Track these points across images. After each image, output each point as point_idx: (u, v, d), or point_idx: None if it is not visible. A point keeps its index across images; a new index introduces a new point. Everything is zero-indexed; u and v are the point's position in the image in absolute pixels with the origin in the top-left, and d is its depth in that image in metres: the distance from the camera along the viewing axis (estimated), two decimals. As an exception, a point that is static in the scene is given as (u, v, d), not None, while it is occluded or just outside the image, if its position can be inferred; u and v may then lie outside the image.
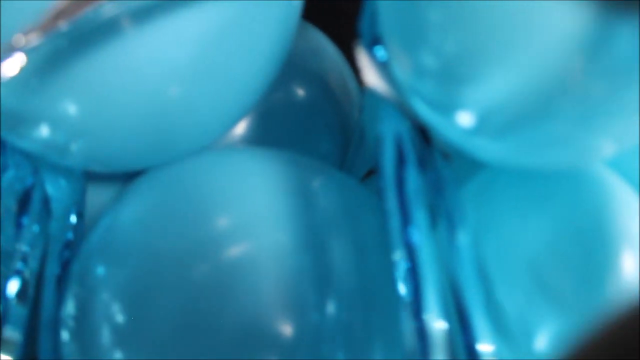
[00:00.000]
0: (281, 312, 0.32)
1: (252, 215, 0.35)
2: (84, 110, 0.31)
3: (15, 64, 0.23)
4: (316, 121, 0.55)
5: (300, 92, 0.55)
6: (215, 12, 0.32)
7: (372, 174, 0.53)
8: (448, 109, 0.25)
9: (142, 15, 0.30)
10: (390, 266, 0.29)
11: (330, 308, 0.34)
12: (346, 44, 0.61)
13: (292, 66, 0.52)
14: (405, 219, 0.24)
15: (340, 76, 0.58)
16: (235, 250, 0.34)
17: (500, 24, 0.23)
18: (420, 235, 0.24)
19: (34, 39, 0.23)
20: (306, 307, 0.33)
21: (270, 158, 0.38)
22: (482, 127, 0.25)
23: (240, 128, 0.50)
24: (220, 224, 0.34)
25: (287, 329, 0.33)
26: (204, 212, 0.35)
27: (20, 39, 0.23)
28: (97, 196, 0.41)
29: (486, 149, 0.27)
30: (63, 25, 0.24)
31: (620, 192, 0.31)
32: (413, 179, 0.25)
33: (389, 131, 0.27)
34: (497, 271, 0.29)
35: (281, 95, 0.54)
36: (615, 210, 0.30)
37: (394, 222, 0.25)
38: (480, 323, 0.24)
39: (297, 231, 0.34)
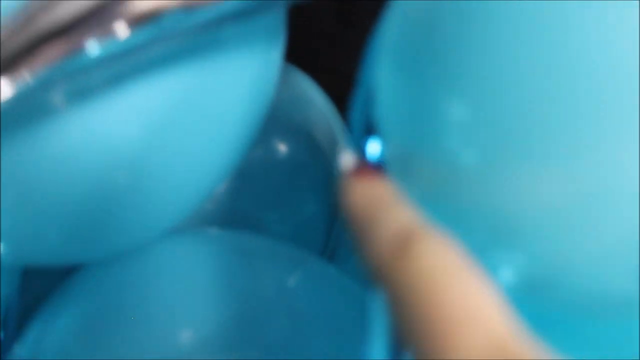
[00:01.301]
0: None
1: (210, 331, 0.28)
2: (8, 193, 0.25)
3: None
4: (300, 180, 0.49)
5: (282, 147, 0.49)
6: (172, 79, 0.26)
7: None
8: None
9: (77, 90, 0.24)
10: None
11: None
12: (336, 90, 0.55)
13: (273, 117, 0.46)
14: None
15: (328, 128, 0.52)
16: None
17: (545, 122, 0.16)
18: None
19: None
20: None
21: (235, 253, 0.31)
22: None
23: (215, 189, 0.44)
24: (171, 342, 0.28)
25: None
26: (151, 325, 0.28)
27: None
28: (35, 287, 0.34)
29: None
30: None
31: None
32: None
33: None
34: None
35: (260, 151, 0.48)
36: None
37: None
38: None
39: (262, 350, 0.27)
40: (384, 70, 0.21)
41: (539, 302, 0.18)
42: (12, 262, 0.31)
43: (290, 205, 0.48)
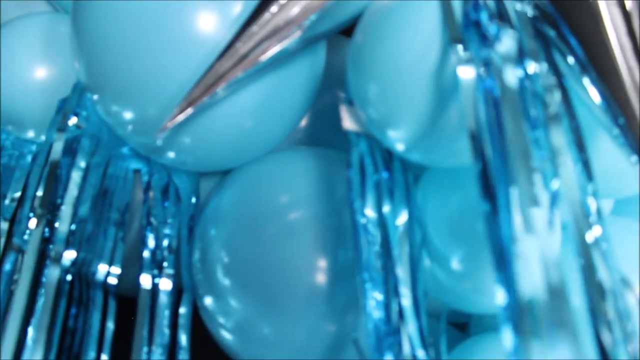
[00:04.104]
0: (318, 251, 0.55)
1: (299, 194, 0.57)
2: (194, 142, 0.54)
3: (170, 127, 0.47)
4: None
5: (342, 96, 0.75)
6: (265, 80, 0.53)
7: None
8: (387, 139, 0.46)
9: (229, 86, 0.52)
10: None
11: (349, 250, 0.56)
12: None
13: (338, 76, 0.73)
14: (363, 198, 0.46)
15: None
16: (289, 215, 0.56)
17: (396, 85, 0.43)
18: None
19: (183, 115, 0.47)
20: (335, 248, 0.55)
21: (310, 155, 0.60)
22: (409, 149, 0.46)
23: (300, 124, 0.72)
24: (279, 200, 0.57)
25: (322, 263, 0.55)
26: (270, 193, 0.58)
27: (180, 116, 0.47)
28: (206, 185, 0.65)
29: (416, 158, 0.48)
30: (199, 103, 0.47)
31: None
32: (370, 177, 0.47)
33: (356, 152, 0.49)
34: (432, 225, 0.50)
35: (328, 98, 0.75)
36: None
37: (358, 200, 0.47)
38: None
39: (325, 203, 0.56)
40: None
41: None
42: (195, 169, 0.62)
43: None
